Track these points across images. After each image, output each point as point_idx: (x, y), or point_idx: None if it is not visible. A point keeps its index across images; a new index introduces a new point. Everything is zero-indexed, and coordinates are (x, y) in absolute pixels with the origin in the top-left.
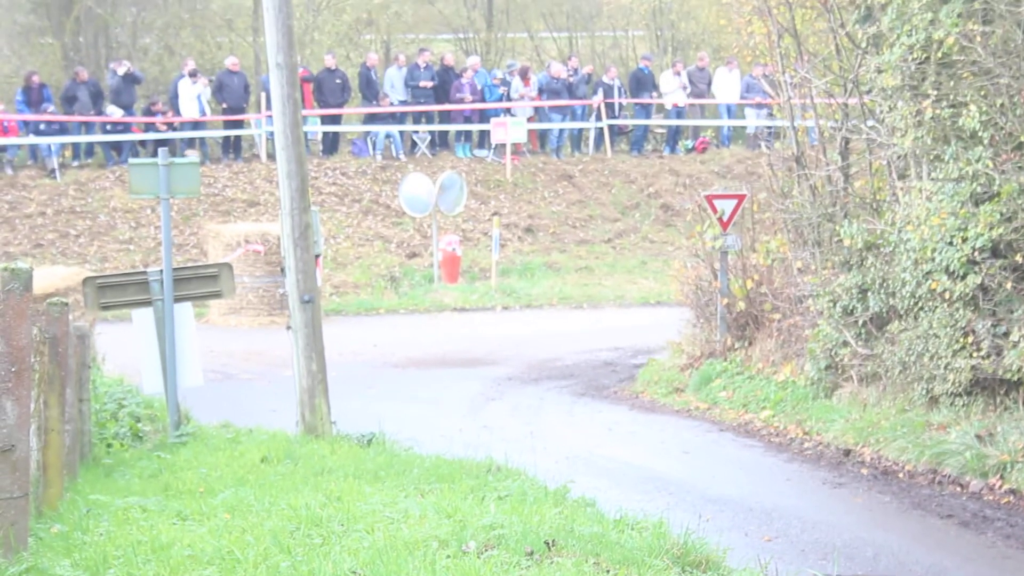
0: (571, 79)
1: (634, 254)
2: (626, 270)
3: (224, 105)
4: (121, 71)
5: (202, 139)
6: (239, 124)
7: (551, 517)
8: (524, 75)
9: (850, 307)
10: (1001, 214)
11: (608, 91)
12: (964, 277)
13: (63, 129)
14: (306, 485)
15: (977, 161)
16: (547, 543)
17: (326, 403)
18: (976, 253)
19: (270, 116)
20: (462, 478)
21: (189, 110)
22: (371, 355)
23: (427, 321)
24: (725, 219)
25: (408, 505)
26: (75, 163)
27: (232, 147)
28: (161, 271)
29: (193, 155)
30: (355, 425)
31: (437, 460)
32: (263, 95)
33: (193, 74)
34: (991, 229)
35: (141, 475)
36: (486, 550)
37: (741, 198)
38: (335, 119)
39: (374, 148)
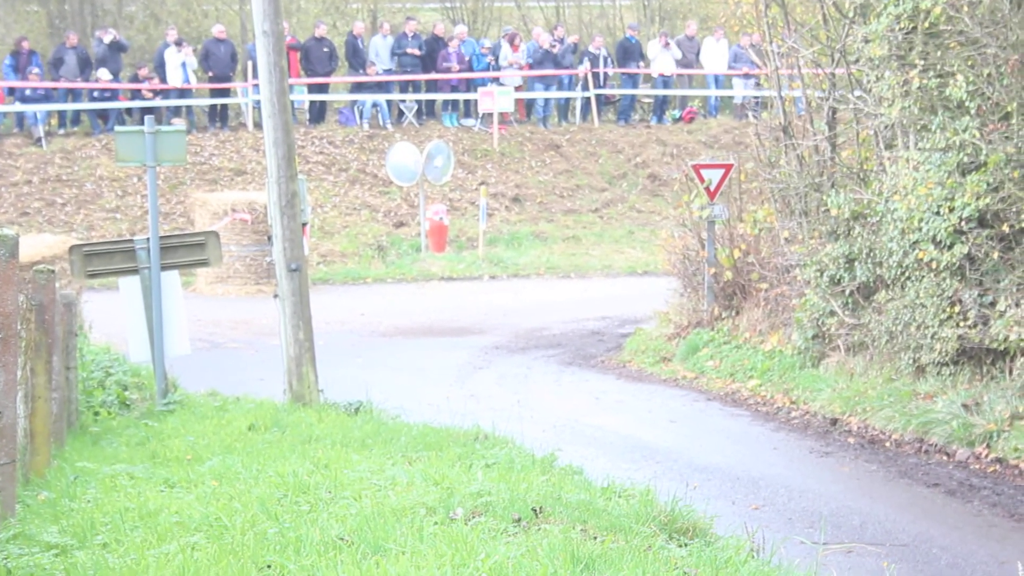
0: (553, 48)
1: (621, 224)
2: (613, 240)
3: (210, 73)
4: (107, 39)
5: (188, 107)
6: (225, 92)
7: (538, 485)
8: (512, 40)
9: (837, 277)
10: (988, 184)
11: (595, 61)
12: (951, 247)
13: (48, 97)
14: (293, 453)
15: (964, 131)
16: (534, 510)
17: (313, 371)
18: (963, 223)
19: (256, 84)
20: (449, 446)
21: (175, 78)
22: (358, 324)
23: (414, 290)
24: (712, 189)
25: (395, 473)
26: (61, 131)
27: (219, 116)
28: (148, 239)
29: (180, 123)
30: (342, 393)
31: (424, 428)
32: (250, 63)
33: (178, 43)
34: (978, 199)
35: (128, 443)
36: (473, 517)
37: (728, 168)
38: (322, 88)
39: (361, 117)
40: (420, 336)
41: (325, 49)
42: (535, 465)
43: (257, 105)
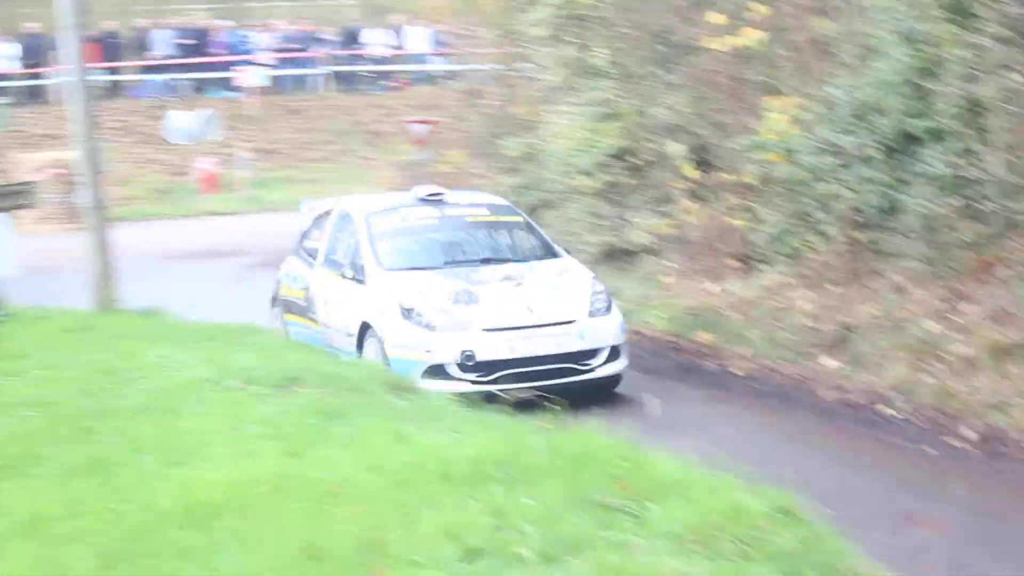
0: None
1: (350, 168)
2: (344, 180)
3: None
4: None
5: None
6: (40, 76)
7: (295, 361)
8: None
9: (514, 202)
10: (621, 129)
11: (327, 44)
12: (596, 176)
13: None
14: (103, 346)
15: (603, 90)
16: (292, 378)
17: (116, 286)
18: (604, 158)
19: (65, 69)
20: (225, 337)
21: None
22: (150, 250)
23: (194, 224)
24: (419, 139)
25: (183, 357)
26: None
27: (35, 94)
28: None
29: (4, 99)
30: (139, 302)
31: (204, 324)
32: (59, 52)
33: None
34: (614, 140)
35: None
36: (246, 385)
37: (431, 123)
38: (115, 70)
39: (148, 93)
40: (200, 258)
41: (117, 39)
42: (291, 347)
43: (66, 85)
